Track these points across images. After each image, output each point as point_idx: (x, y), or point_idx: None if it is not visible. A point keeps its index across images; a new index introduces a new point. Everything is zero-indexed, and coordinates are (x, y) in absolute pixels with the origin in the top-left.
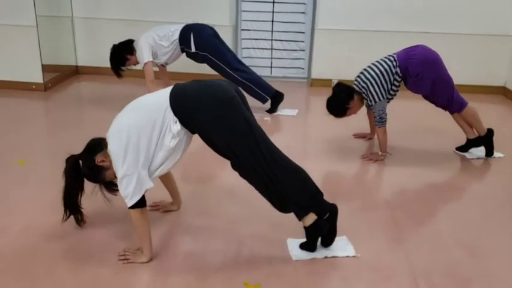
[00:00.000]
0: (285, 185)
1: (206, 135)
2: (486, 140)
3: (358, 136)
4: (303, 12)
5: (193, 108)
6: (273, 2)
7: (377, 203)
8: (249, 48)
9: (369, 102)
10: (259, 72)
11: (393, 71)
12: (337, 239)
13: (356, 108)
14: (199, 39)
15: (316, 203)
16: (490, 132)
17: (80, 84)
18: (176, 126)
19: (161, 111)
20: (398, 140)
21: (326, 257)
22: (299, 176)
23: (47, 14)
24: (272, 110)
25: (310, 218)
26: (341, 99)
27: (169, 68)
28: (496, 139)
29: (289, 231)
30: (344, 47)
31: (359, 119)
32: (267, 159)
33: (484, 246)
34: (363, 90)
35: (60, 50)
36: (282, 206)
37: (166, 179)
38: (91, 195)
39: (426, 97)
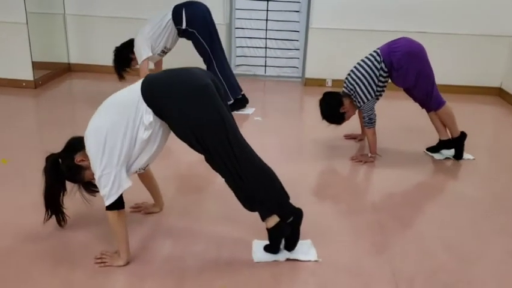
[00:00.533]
0: (252, 183)
1: (175, 123)
2: (458, 142)
3: (349, 137)
4: (298, 11)
5: (164, 96)
6: (267, 0)
7: (364, 206)
8: (243, 46)
9: (358, 104)
10: (253, 71)
11: (378, 67)
12: (301, 242)
13: (352, 110)
14: (190, 14)
15: (281, 205)
16: (463, 135)
17: (72, 82)
18: (149, 117)
19: (134, 103)
20: (388, 141)
21: (287, 259)
22: (267, 176)
23: (38, 10)
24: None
25: (273, 220)
26: (332, 107)
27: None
28: (490, 140)
29: None
30: (338, 46)
31: (350, 120)
32: (236, 154)
33: (469, 251)
34: (352, 92)
35: (52, 47)
36: (248, 203)
37: (148, 181)
38: (71, 196)
39: (406, 90)
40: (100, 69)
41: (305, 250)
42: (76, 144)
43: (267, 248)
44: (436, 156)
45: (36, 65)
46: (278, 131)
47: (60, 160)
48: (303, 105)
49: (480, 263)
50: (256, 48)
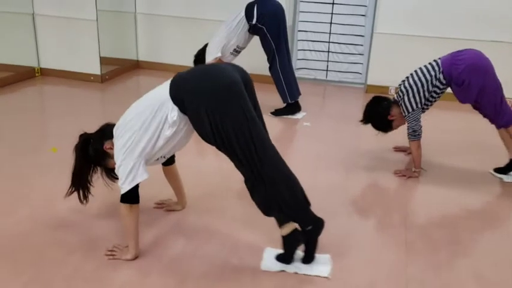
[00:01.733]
0: (273, 187)
1: (199, 120)
2: None
3: (398, 149)
4: (364, 15)
5: (190, 93)
6: (333, 4)
7: (396, 223)
8: (305, 50)
9: (403, 113)
10: (314, 75)
11: (436, 76)
12: (319, 256)
13: (401, 120)
14: (262, 11)
15: (301, 212)
16: None
17: (139, 78)
18: (174, 115)
19: (161, 101)
20: (441, 156)
21: (296, 273)
22: (290, 181)
23: (110, 9)
24: (278, 113)
25: (290, 227)
26: (378, 113)
27: None
28: None
29: None
30: (403, 53)
31: (403, 132)
32: (259, 155)
33: None
34: (400, 100)
35: (121, 44)
36: (265, 207)
37: (173, 179)
38: (99, 187)
39: (474, 106)
40: (167, 68)
41: (319, 265)
42: (108, 132)
43: (279, 258)
44: (506, 178)
45: (105, 61)
46: (325, 138)
47: (91, 141)
48: (360, 113)
49: None
50: (319, 52)
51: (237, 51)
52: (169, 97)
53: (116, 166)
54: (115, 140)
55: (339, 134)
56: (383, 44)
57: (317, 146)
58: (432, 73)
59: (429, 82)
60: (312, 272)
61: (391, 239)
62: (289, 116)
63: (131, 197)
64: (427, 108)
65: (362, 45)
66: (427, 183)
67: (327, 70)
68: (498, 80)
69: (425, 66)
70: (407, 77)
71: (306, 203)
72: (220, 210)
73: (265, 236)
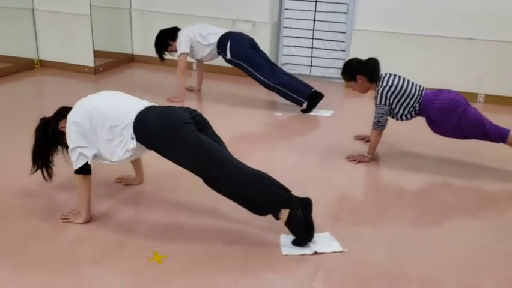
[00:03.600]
0: (250, 193)
1: (164, 156)
2: None
3: (358, 138)
4: (345, 12)
5: (148, 132)
6: (316, 1)
7: (330, 200)
8: (290, 46)
9: (375, 99)
10: (298, 70)
11: (416, 101)
12: (320, 235)
13: (359, 88)
14: (234, 49)
15: (284, 200)
16: None
17: (132, 71)
18: (133, 143)
19: (124, 121)
20: (402, 147)
21: (315, 253)
22: (261, 181)
23: (105, 5)
24: (307, 110)
25: (285, 214)
26: (358, 68)
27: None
28: None
29: (227, 219)
30: (381, 49)
31: (365, 121)
32: (225, 173)
33: (411, 253)
34: (379, 87)
35: (116, 39)
36: (256, 210)
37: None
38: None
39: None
40: (161, 62)
41: (327, 242)
42: (64, 112)
43: (295, 242)
44: None
45: (100, 54)
46: (291, 127)
47: (49, 123)
48: (336, 106)
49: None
50: (303, 48)
51: (198, 60)
52: (132, 124)
53: (69, 147)
54: (68, 116)
55: (306, 125)
56: (362, 40)
57: (279, 134)
58: (415, 95)
59: (410, 96)
60: (328, 249)
61: (321, 214)
62: (314, 113)
63: (84, 169)
64: (393, 117)
65: (343, 41)
66: (376, 167)
67: (311, 65)
68: (475, 111)
69: (415, 85)
70: (397, 75)
71: (285, 191)
72: (174, 186)
73: (208, 205)
